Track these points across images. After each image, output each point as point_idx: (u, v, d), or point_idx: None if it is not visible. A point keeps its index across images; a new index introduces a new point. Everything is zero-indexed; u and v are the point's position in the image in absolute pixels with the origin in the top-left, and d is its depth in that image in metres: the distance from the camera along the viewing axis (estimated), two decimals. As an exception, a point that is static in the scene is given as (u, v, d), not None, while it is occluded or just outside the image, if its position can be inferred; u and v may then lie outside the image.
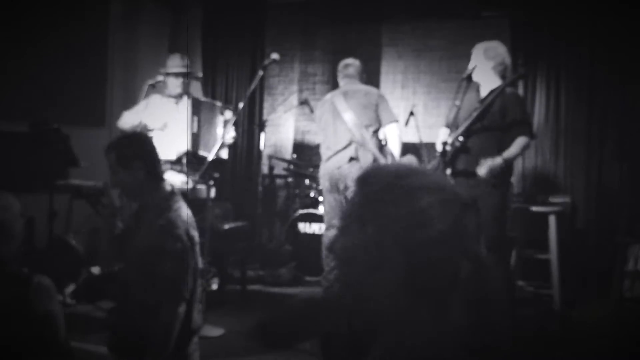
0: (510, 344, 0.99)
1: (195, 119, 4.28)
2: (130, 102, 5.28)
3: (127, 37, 5.68)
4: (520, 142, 3.60)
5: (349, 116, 4.26)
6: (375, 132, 4.29)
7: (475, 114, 3.61)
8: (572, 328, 4.00)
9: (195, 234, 2.42)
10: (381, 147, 4.35)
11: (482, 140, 3.63)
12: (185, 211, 2.40)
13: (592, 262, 4.86)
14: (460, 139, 3.66)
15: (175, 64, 4.43)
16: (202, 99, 4.57)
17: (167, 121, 4.36)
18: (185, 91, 4.44)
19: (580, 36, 5.16)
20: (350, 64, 4.47)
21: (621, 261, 3.93)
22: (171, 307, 2.27)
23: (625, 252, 3.94)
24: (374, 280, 0.98)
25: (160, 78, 4.44)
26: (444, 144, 3.71)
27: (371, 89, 4.42)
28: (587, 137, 5.17)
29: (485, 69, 3.72)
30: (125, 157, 2.37)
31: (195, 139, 4.24)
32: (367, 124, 4.25)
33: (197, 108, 4.31)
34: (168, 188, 2.44)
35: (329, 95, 4.52)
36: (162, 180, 2.46)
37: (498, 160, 3.51)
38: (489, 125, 3.61)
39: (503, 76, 3.76)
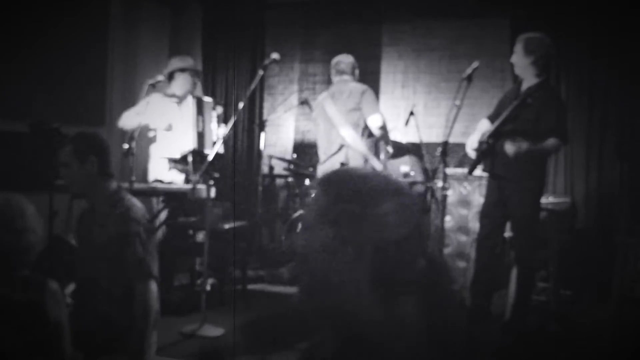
0: (463, 339, 1.03)
1: (201, 118, 4.36)
2: (130, 102, 5.28)
3: (127, 37, 5.67)
4: (552, 142, 3.49)
5: (337, 120, 4.26)
6: (364, 131, 4.28)
7: (505, 114, 3.56)
8: (572, 328, 4.00)
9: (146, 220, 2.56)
10: (373, 148, 4.35)
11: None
12: (136, 200, 2.55)
13: (592, 262, 4.86)
14: (490, 140, 3.63)
15: (184, 61, 4.51)
16: (204, 98, 4.63)
17: (171, 121, 4.40)
18: (192, 90, 4.48)
19: (580, 36, 5.16)
20: (343, 61, 4.44)
21: (621, 261, 3.92)
22: (144, 286, 2.39)
23: (625, 252, 3.93)
24: (337, 279, 1.03)
25: (160, 78, 4.44)
26: (480, 143, 3.68)
27: (355, 87, 4.33)
28: (587, 137, 5.17)
29: (525, 64, 3.60)
30: (81, 150, 2.47)
31: (201, 137, 4.31)
32: (356, 125, 4.25)
33: (201, 107, 4.37)
34: (115, 184, 2.56)
35: (320, 98, 4.52)
36: (112, 177, 2.56)
37: (523, 146, 3.43)
38: (522, 130, 3.52)
39: (545, 71, 3.63)
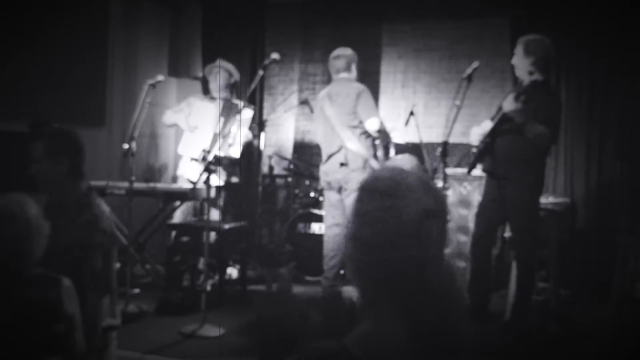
0: (467, 347, 1.05)
1: (222, 120, 4.58)
2: (130, 102, 5.28)
3: (127, 37, 5.67)
4: (542, 128, 3.47)
5: (335, 121, 4.28)
6: (364, 132, 4.29)
7: (502, 114, 3.56)
8: (572, 328, 4.00)
9: (114, 229, 2.52)
10: (372, 148, 4.37)
11: (507, 143, 3.59)
12: (105, 207, 2.46)
13: (592, 262, 4.86)
14: (488, 139, 3.64)
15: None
16: (234, 101, 4.85)
17: (198, 123, 4.77)
18: (222, 86, 4.92)
19: (580, 36, 5.16)
20: (340, 55, 4.43)
21: (621, 261, 3.93)
22: (96, 299, 2.31)
23: (625, 252, 3.93)
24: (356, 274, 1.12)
25: (160, 78, 4.47)
26: (480, 142, 3.69)
27: (351, 89, 4.31)
28: (587, 137, 5.17)
29: (525, 65, 3.61)
30: (53, 149, 2.39)
31: (215, 139, 4.50)
32: (353, 126, 4.25)
33: (226, 110, 4.62)
34: (85, 185, 2.48)
35: (319, 97, 4.55)
36: (82, 178, 2.48)
37: (515, 105, 3.44)
38: (519, 127, 3.52)
39: (545, 72, 3.66)
